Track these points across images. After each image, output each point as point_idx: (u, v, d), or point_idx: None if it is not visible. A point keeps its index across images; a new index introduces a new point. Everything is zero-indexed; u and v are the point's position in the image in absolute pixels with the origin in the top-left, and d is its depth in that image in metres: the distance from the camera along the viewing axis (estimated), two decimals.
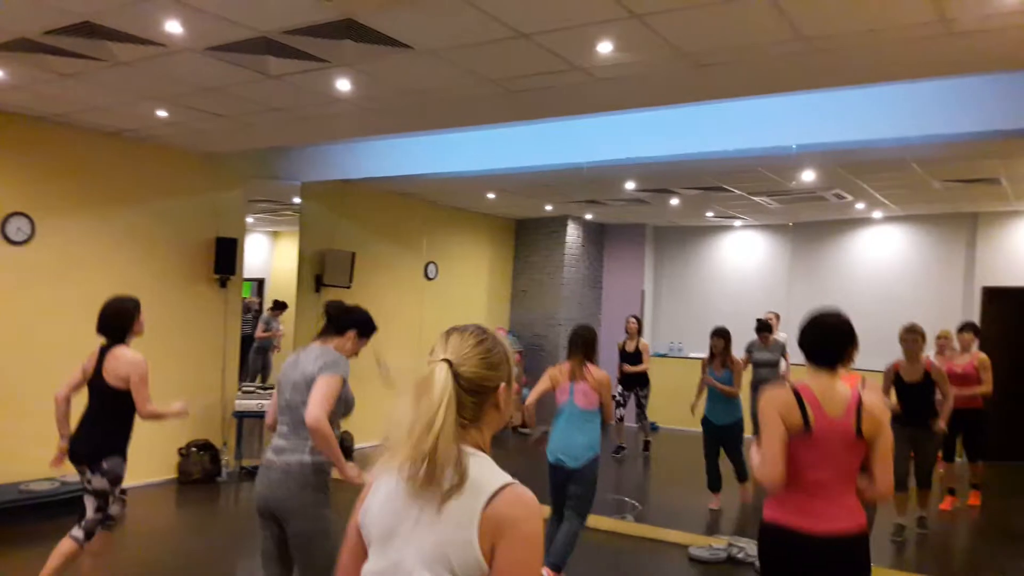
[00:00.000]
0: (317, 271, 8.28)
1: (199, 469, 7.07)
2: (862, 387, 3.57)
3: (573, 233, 10.84)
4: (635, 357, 8.65)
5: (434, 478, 1.39)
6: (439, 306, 9.72)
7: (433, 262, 9.81)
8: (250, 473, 7.43)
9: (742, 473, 6.53)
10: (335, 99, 5.28)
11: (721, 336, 6.53)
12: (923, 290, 9.34)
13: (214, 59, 4.53)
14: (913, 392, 5.51)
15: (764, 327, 7.52)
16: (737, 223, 10.62)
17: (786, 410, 2.67)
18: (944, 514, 6.52)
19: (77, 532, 3.91)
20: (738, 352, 6.78)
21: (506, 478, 1.43)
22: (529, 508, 1.41)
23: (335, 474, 3.12)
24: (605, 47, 4.10)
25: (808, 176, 7.21)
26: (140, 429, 4.24)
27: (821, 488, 2.64)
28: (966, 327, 6.70)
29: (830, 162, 6.63)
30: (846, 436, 2.63)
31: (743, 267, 10.79)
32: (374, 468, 1.53)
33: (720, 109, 5.48)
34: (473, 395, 1.48)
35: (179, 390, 6.83)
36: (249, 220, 8.04)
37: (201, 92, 5.25)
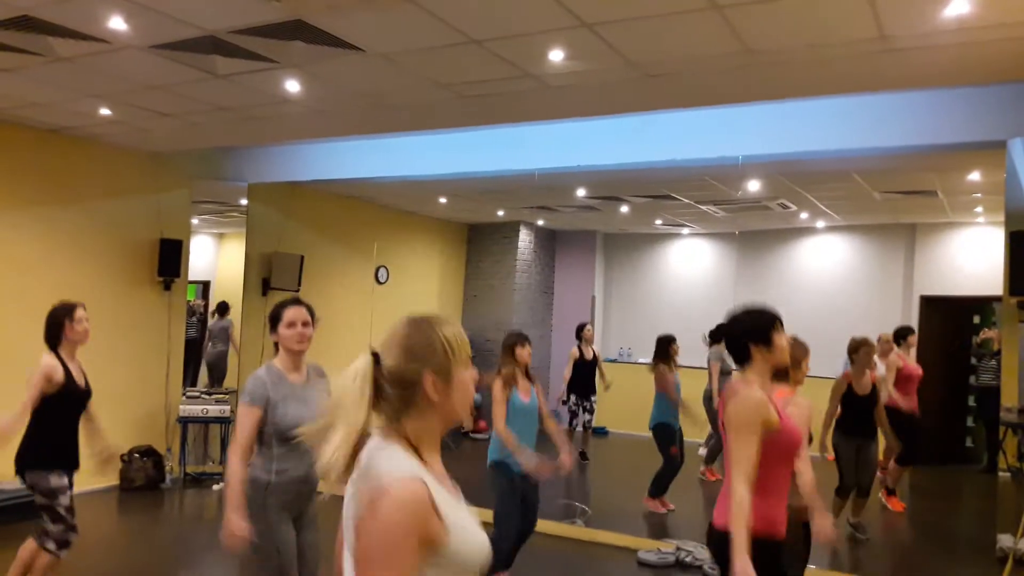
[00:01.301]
0: (264, 274, 8.15)
1: (142, 476, 6.89)
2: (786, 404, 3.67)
3: (525, 239, 10.86)
4: (591, 365, 8.65)
5: (342, 469, 1.36)
6: (389, 310, 9.64)
7: (384, 266, 9.74)
8: (195, 480, 7.28)
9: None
10: (284, 100, 5.22)
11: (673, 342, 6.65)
12: (864, 298, 9.58)
13: (159, 57, 4.43)
14: (863, 403, 5.68)
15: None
16: (685, 231, 10.76)
17: None
18: (889, 517, 6.68)
19: (49, 544, 3.86)
20: (698, 359, 6.85)
21: (400, 474, 1.33)
22: (384, 502, 1.29)
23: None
24: (556, 55, 4.13)
25: (754, 186, 7.35)
26: (81, 432, 4.11)
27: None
28: (910, 331, 6.91)
29: (775, 172, 6.77)
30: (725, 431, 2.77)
31: (691, 274, 10.95)
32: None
33: (669, 119, 5.55)
34: (397, 387, 1.43)
35: (122, 394, 6.68)
36: (194, 221, 7.88)
37: (146, 90, 5.14)
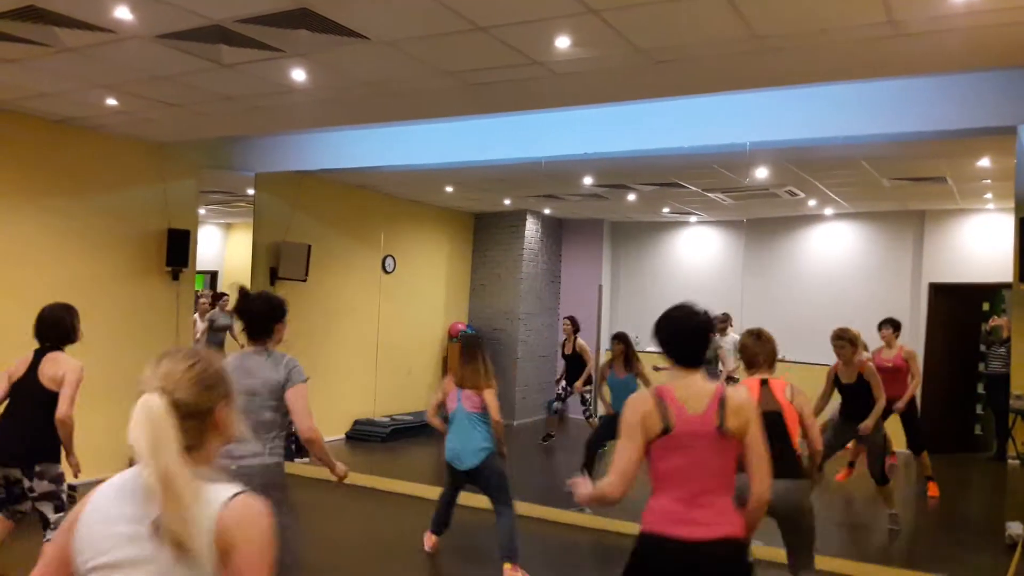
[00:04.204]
0: (272, 264, 8.17)
1: None
2: (790, 393, 3.65)
3: (531, 228, 10.85)
4: (574, 360, 8.60)
5: (177, 510, 1.37)
6: (396, 300, 9.67)
7: (391, 255, 9.74)
8: None
9: None
10: (290, 89, 5.21)
11: (621, 341, 6.68)
12: (872, 286, 9.54)
13: (165, 47, 4.43)
14: (849, 391, 5.74)
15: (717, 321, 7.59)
16: (692, 219, 10.73)
17: (647, 415, 2.54)
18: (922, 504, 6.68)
19: (52, 535, 3.87)
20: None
21: (236, 488, 1.46)
22: (257, 512, 1.44)
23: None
24: (563, 42, 4.11)
25: (761, 173, 7.32)
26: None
27: (697, 494, 2.50)
28: (885, 323, 6.83)
29: (783, 159, 6.74)
30: (709, 434, 2.50)
31: (698, 262, 10.92)
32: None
33: (676, 106, 5.53)
34: (192, 419, 1.48)
35: (129, 385, 6.67)
36: (201, 211, 7.91)
37: (152, 80, 5.14)
